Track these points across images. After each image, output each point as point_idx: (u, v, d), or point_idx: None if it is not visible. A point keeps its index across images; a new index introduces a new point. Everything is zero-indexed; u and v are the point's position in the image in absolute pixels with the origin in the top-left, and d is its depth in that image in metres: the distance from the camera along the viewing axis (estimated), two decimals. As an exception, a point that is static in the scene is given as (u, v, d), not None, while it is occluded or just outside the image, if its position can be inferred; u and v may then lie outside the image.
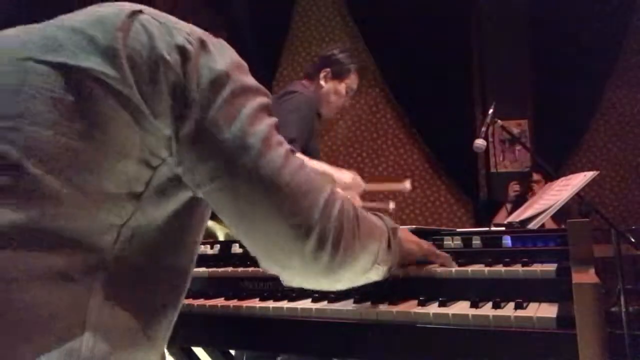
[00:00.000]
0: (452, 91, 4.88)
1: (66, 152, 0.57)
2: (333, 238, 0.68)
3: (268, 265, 0.72)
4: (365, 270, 0.78)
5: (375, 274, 0.82)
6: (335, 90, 2.21)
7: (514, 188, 3.81)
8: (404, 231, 0.97)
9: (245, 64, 0.70)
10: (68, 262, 0.56)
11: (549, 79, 4.78)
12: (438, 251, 1.02)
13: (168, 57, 0.61)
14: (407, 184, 2.21)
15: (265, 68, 4.96)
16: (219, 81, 0.63)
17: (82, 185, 0.57)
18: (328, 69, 2.20)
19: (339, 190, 0.75)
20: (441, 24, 4.85)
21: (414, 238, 0.99)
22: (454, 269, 0.98)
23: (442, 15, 4.85)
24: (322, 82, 2.20)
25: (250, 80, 0.69)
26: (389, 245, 0.83)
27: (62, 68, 0.58)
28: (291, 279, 0.73)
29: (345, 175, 2.06)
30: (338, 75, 2.21)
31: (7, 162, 0.55)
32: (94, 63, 0.58)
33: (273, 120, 0.69)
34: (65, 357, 0.53)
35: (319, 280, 0.73)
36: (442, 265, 1.01)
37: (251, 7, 4.98)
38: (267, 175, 0.64)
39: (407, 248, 0.93)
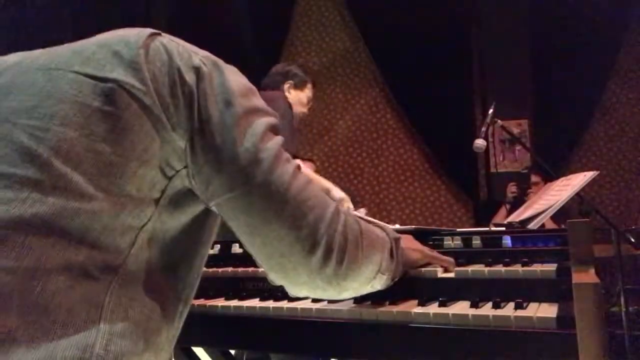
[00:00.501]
0: (452, 91, 4.88)
1: (91, 153, 0.60)
2: (338, 251, 0.72)
3: (276, 277, 0.75)
4: (368, 280, 0.81)
5: (379, 283, 0.84)
6: (299, 100, 2.41)
7: (511, 189, 3.81)
8: (407, 239, 0.98)
9: (255, 88, 0.74)
10: (88, 259, 0.58)
11: (549, 79, 4.78)
12: (441, 256, 1.03)
13: (185, 75, 0.66)
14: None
15: (265, 68, 4.95)
16: (232, 101, 0.68)
17: (105, 185, 0.61)
18: (290, 81, 2.40)
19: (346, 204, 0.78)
20: (441, 24, 4.85)
21: (417, 245, 1.00)
22: (454, 269, 0.98)
23: (442, 15, 4.85)
24: (286, 93, 2.38)
25: (260, 102, 0.73)
26: (391, 256, 0.85)
27: (89, 77, 0.63)
28: (298, 289, 0.76)
29: (339, 192, 2.26)
30: (299, 86, 2.42)
31: (35, 158, 0.59)
32: (119, 74, 0.63)
33: (280, 138, 0.73)
34: (80, 351, 0.55)
35: (325, 291, 0.76)
36: (444, 269, 1.01)
37: (251, 8, 4.99)
38: (277, 189, 0.68)
39: (410, 257, 0.95)
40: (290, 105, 2.30)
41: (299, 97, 2.41)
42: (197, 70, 0.67)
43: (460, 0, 4.99)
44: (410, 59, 4.91)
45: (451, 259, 1.03)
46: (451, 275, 0.97)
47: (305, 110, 2.48)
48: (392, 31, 4.95)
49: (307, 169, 2.20)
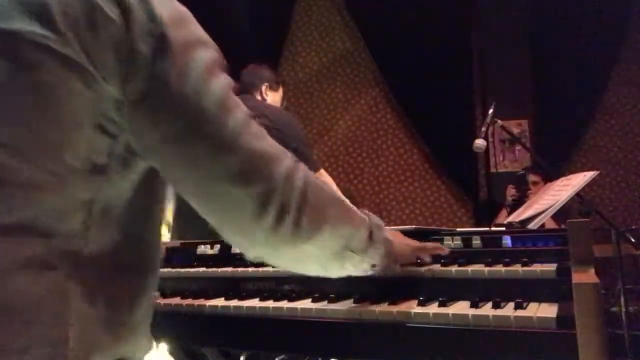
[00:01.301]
0: (452, 91, 4.88)
1: (17, 130, 0.53)
2: (295, 209, 0.65)
3: (230, 237, 0.69)
4: (335, 254, 0.75)
5: (351, 264, 0.78)
6: (275, 102, 2.44)
7: (510, 193, 3.80)
8: (394, 233, 0.95)
9: (189, 14, 0.63)
10: (44, 249, 0.54)
11: (549, 79, 4.78)
12: (429, 245, 1.01)
13: (107, 10, 0.55)
14: None
15: (265, 68, 4.95)
16: (164, 34, 0.57)
17: (44, 163, 0.54)
18: (267, 83, 2.42)
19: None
20: (441, 24, 4.85)
21: (405, 240, 0.98)
22: (454, 269, 0.98)
23: (442, 15, 4.85)
24: (264, 95, 2.40)
25: (198, 31, 0.62)
26: (370, 239, 0.80)
27: None
28: (254, 250, 0.70)
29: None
30: (274, 87, 2.45)
31: None
32: (24, 24, 0.52)
33: (228, 80, 0.64)
34: (53, 348, 0.52)
35: (282, 253, 0.69)
36: (435, 252, 1.00)
37: (251, 7, 4.98)
38: (224, 141, 0.60)
39: (399, 250, 0.91)
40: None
41: (275, 99, 2.43)
42: (118, 3, 0.56)
43: (460, 0, 4.99)
44: (410, 59, 4.90)
45: (436, 243, 1.02)
46: (451, 275, 0.97)
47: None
48: (392, 31, 4.94)
49: (328, 177, 2.24)
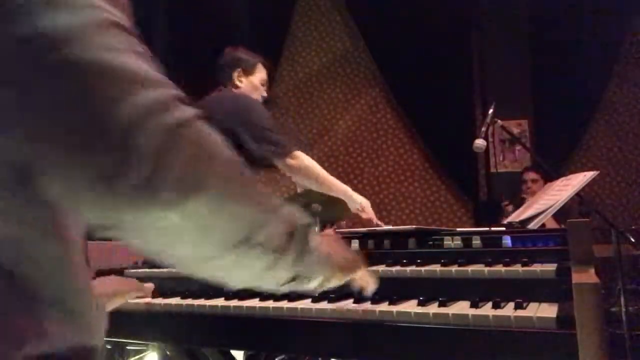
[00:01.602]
0: (452, 91, 4.88)
1: None
2: (152, 154, 0.42)
3: (56, 193, 0.45)
4: (223, 243, 0.52)
5: (259, 266, 0.55)
6: (252, 86, 2.32)
7: (508, 210, 3.81)
8: (328, 238, 0.72)
9: None
10: None
11: (549, 79, 4.78)
12: (364, 270, 0.81)
13: None
14: None
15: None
16: None
17: None
18: (239, 69, 2.29)
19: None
20: (441, 24, 4.85)
21: (342, 249, 0.75)
22: (454, 269, 0.98)
23: (442, 15, 4.85)
24: (237, 82, 2.29)
25: None
26: (291, 236, 0.57)
27: None
28: (95, 218, 0.47)
29: (361, 198, 2.30)
30: (249, 71, 2.31)
31: None
32: None
33: None
34: None
35: (135, 222, 0.46)
36: (365, 282, 0.82)
37: (251, 7, 4.99)
38: (48, 44, 0.41)
39: (337, 263, 0.70)
40: (254, 100, 2.20)
41: (251, 83, 2.29)
42: None
43: (460, 0, 4.99)
44: (410, 59, 4.91)
45: (368, 271, 0.82)
46: (451, 275, 0.97)
47: (263, 93, 2.33)
48: (392, 31, 4.95)
49: (308, 159, 2.15)
